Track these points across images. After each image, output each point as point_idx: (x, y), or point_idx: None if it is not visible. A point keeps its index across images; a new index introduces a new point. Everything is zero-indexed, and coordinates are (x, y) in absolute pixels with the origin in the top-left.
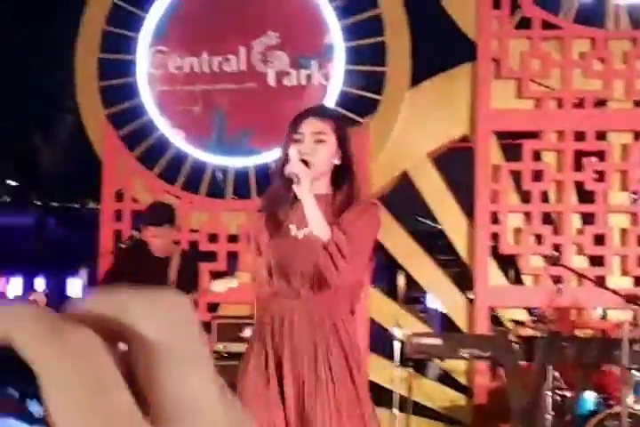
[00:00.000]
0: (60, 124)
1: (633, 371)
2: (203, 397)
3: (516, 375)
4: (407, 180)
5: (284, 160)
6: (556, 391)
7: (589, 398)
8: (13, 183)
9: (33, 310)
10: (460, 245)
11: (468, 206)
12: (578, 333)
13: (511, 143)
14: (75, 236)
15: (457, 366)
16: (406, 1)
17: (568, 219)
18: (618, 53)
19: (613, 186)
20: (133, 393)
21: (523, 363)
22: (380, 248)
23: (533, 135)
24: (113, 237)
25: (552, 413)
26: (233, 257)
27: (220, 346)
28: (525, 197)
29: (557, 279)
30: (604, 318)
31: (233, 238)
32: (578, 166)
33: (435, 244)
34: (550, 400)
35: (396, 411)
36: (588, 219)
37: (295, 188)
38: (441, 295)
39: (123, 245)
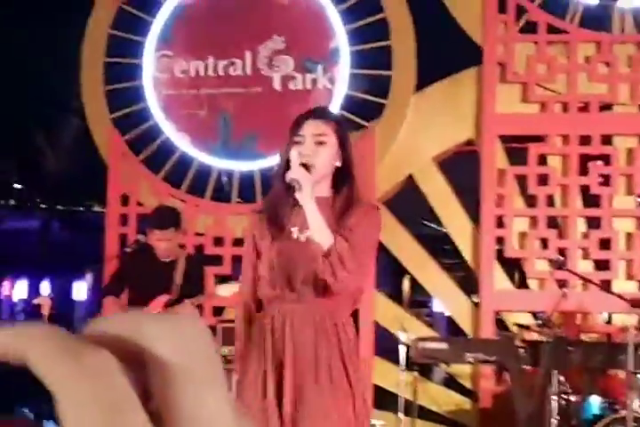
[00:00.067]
0: (66, 128)
1: (638, 375)
2: (218, 418)
3: (521, 380)
4: (412, 184)
5: (285, 163)
6: (562, 396)
7: (595, 402)
8: (19, 187)
9: (49, 330)
10: (466, 249)
11: (473, 210)
12: (583, 337)
13: (516, 147)
14: (80, 239)
15: (462, 371)
16: (412, 5)
17: (573, 223)
18: (623, 57)
19: (619, 190)
20: (149, 414)
21: (528, 367)
22: (385, 252)
23: (539, 139)
24: (118, 241)
25: (557, 417)
26: (238, 261)
27: (226, 350)
28: (531, 201)
29: (563, 283)
30: (609, 322)
31: (238, 242)
32: (583, 170)
33: (440, 248)
34: (556, 405)
35: (401, 415)
36: (593, 223)
37: (297, 195)
38: (446, 299)
39: (128, 249)
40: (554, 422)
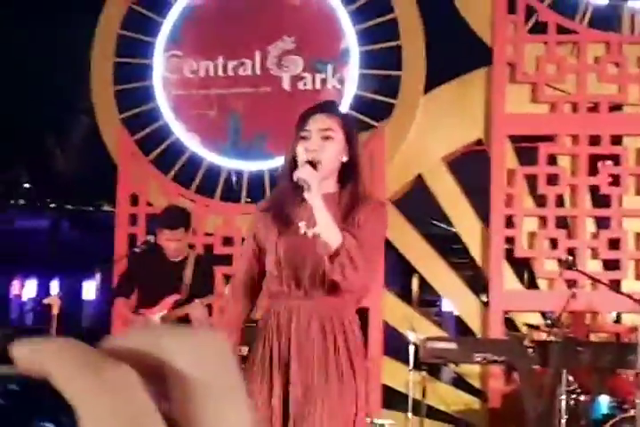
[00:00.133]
0: (75, 128)
1: None
2: None
3: (530, 380)
4: (422, 184)
5: (292, 159)
6: (571, 395)
7: (604, 402)
8: (28, 186)
9: (70, 344)
10: (475, 249)
11: (482, 210)
12: (592, 337)
13: (526, 147)
14: (89, 238)
15: (471, 370)
16: (421, 5)
17: (583, 223)
18: (633, 58)
19: (628, 190)
20: None
21: (537, 367)
22: (394, 251)
23: (548, 139)
24: (127, 241)
25: (566, 417)
26: None
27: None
28: (540, 201)
29: (572, 283)
30: (618, 322)
31: None
32: (593, 170)
33: (449, 247)
34: (565, 404)
35: (410, 415)
36: (602, 223)
37: (306, 194)
38: (455, 299)
39: (137, 250)
40: (563, 421)
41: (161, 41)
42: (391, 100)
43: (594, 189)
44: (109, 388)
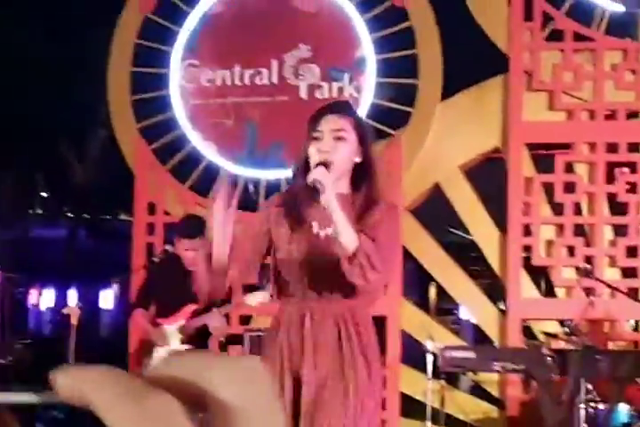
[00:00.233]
0: (93, 137)
1: None
2: None
3: (549, 388)
4: (439, 192)
5: (304, 160)
6: (590, 404)
7: (623, 410)
8: (45, 195)
9: (112, 373)
10: (492, 257)
11: (499, 218)
12: (611, 345)
13: (543, 155)
14: (106, 247)
15: (490, 379)
16: (437, 13)
17: (600, 231)
18: None
19: None
20: None
21: (556, 376)
22: (411, 259)
23: (565, 147)
24: (145, 250)
25: (585, 426)
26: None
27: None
28: (557, 208)
29: (590, 291)
30: (636, 329)
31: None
32: (610, 178)
33: (466, 255)
34: (584, 413)
35: (428, 423)
36: (620, 230)
37: (322, 196)
38: (473, 307)
39: (156, 259)
40: None
41: (178, 50)
42: (408, 109)
43: (611, 197)
44: (150, 416)
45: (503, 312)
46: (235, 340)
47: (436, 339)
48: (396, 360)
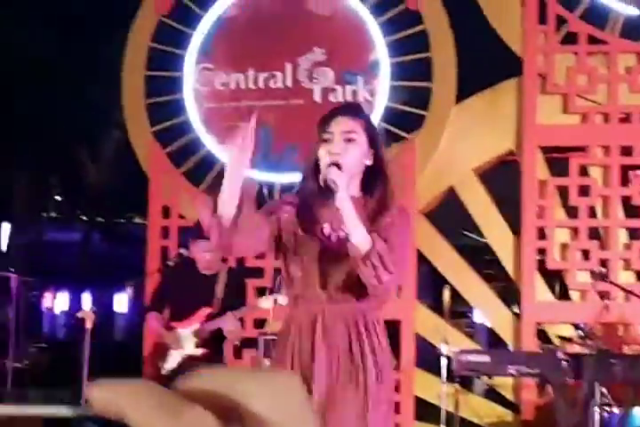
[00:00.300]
0: (107, 141)
1: None
2: None
3: (563, 392)
4: (453, 195)
5: (314, 162)
6: (604, 408)
7: (637, 414)
8: (60, 199)
9: (147, 387)
10: (507, 260)
11: (514, 221)
12: (625, 349)
13: (557, 158)
14: (120, 251)
15: (504, 382)
16: (451, 16)
17: (615, 234)
18: None
19: None
20: None
21: (570, 380)
22: (425, 263)
23: (580, 150)
24: (160, 254)
25: None
26: (279, 273)
27: (267, 362)
28: (572, 212)
29: (604, 295)
30: None
31: None
32: (624, 181)
33: (481, 258)
34: (598, 417)
35: None
36: (635, 234)
37: (337, 196)
38: (487, 310)
39: (171, 263)
40: None
41: (192, 54)
42: (422, 112)
43: (626, 200)
44: None
45: (517, 316)
46: (249, 343)
47: (451, 342)
48: (410, 364)
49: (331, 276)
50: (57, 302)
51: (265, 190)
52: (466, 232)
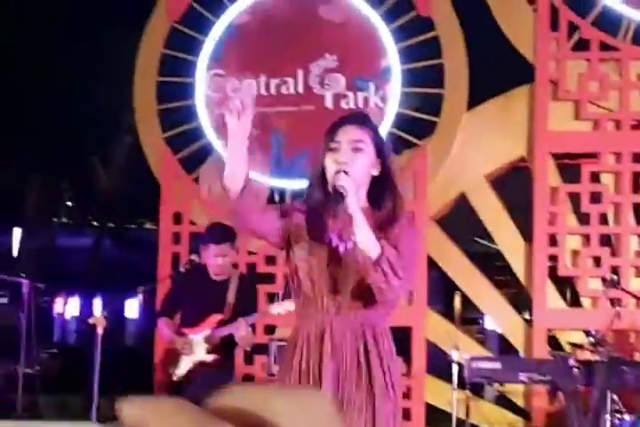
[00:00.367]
0: (119, 147)
1: None
2: None
3: (575, 399)
4: (464, 201)
5: (321, 171)
6: (615, 415)
7: None
8: (71, 204)
9: (177, 404)
10: (518, 267)
11: (525, 228)
12: (637, 356)
13: (569, 164)
14: (131, 256)
15: (515, 389)
16: (463, 23)
17: (627, 241)
18: None
19: None
20: None
21: (582, 387)
22: (436, 269)
23: (591, 157)
24: (171, 260)
25: None
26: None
27: (278, 368)
28: (583, 218)
29: (616, 302)
30: None
31: None
32: (636, 188)
33: (492, 265)
34: (609, 424)
35: None
36: None
37: (347, 201)
38: (498, 317)
39: (182, 269)
40: None
41: (203, 60)
42: (433, 118)
43: (637, 207)
44: None
45: (529, 322)
46: (260, 349)
47: (462, 349)
48: (421, 370)
49: (339, 283)
50: (68, 307)
51: (276, 196)
52: (477, 239)
